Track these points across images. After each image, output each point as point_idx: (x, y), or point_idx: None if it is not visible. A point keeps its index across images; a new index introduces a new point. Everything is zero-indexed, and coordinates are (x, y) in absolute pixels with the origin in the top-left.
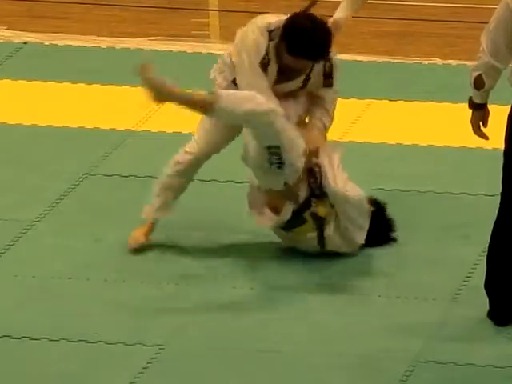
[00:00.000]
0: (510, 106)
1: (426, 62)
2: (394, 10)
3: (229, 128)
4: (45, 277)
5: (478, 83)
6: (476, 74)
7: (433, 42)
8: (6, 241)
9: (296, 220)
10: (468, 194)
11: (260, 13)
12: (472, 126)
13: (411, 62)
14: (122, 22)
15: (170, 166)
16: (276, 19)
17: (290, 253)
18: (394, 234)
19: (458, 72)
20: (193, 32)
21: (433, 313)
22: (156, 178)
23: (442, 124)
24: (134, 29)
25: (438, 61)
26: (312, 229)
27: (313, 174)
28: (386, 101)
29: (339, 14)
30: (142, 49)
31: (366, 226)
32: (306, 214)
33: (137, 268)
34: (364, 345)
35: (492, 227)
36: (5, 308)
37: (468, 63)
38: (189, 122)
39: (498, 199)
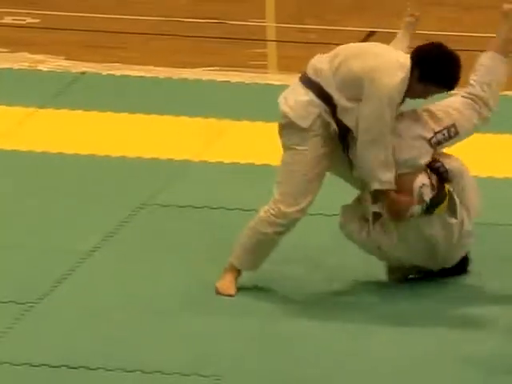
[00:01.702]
0: None
1: None
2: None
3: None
4: (102, 306)
5: None
6: None
7: None
8: (64, 270)
9: (439, 195)
10: None
11: (318, 43)
12: None
13: None
14: (179, 52)
15: (264, 225)
16: (403, 55)
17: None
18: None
19: None
20: (251, 63)
21: (488, 345)
22: (214, 208)
23: None
24: (192, 59)
25: None
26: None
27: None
28: None
29: (399, 44)
30: (200, 79)
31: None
32: (445, 189)
33: (196, 299)
34: None
35: None
36: (63, 337)
37: None
38: (246, 153)
39: None
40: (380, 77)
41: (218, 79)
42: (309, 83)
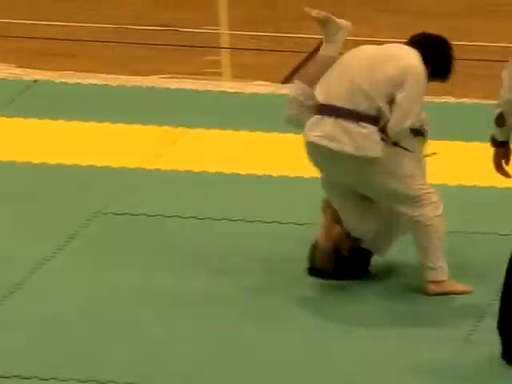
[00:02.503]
0: None
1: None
2: None
3: None
4: (55, 316)
5: (500, 121)
6: (497, 111)
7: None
8: (16, 280)
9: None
10: (481, 233)
11: (271, 51)
12: (494, 163)
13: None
14: (133, 59)
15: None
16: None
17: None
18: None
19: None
20: (205, 70)
21: (446, 352)
22: (167, 216)
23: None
24: (146, 67)
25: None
26: None
27: None
28: None
29: (331, 50)
30: (154, 87)
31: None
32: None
33: (151, 306)
34: None
35: (506, 267)
36: (14, 348)
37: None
38: (200, 161)
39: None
40: (418, 73)
41: (172, 87)
42: (357, 116)
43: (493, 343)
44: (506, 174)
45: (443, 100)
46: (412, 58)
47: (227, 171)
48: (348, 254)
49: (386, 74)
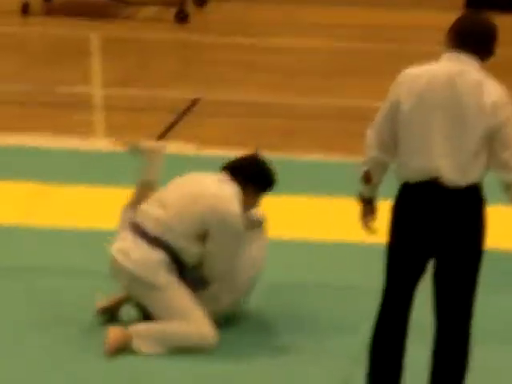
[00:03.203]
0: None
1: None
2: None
3: None
4: None
5: (367, 178)
6: (364, 168)
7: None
8: None
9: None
10: (350, 286)
11: (144, 109)
12: (361, 220)
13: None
14: (3, 117)
15: None
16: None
17: None
18: None
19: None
20: (77, 129)
21: None
22: (38, 271)
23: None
24: (18, 124)
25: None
26: None
27: None
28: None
29: (149, 175)
30: (25, 145)
31: None
32: None
33: (19, 365)
34: None
35: (374, 320)
36: None
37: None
38: (71, 217)
39: (377, 292)
40: (223, 218)
41: (43, 145)
42: (155, 242)
43: None
44: (372, 231)
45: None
46: (221, 198)
47: (98, 226)
48: None
49: (192, 217)
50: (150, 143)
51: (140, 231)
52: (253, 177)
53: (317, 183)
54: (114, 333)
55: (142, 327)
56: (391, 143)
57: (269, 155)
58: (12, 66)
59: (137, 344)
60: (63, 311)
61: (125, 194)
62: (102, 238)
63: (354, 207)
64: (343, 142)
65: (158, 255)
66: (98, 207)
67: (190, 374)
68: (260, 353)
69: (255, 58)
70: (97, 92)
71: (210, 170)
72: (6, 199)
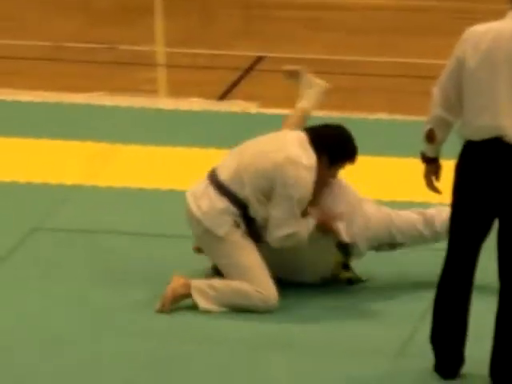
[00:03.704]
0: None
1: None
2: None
3: None
4: None
5: (430, 137)
6: (427, 127)
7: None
8: None
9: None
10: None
11: (206, 68)
12: (425, 180)
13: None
14: (69, 76)
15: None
16: (304, 154)
17: None
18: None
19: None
20: (141, 87)
21: (379, 367)
22: (104, 232)
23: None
24: (82, 84)
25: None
26: None
27: None
28: None
29: (305, 103)
30: (90, 104)
31: None
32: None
33: (85, 324)
34: None
35: (438, 278)
36: None
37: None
38: (137, 177)
39: (442, 254)
40: (291, 183)
41: (108, 103)
42: (222, 190)
43: (426, 356)
44: (437, 190)
45: (376, 117)
46: (290, 150)
47: (163, 188)
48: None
49: (261, 167)
50: (314, 78)
51: (213, 179)
52: (329, 148)
53: (381, 142)
54: (176, 282)
55: (204, 282)
56: (456, 101)
57: (332, 114)
58: (75, 24)
59: (196, 298)
60: (128, 272)
61: (189, 153)
62: (167, 197)
63: (418, 167)
64: (408, 101)
65: (223, 203)
66: (162, 167)
67: (248, 332)
68: (322, 314)
69: (319, 15)
70: (160, 50)
71: (271, 128)
72: (71, 159)
